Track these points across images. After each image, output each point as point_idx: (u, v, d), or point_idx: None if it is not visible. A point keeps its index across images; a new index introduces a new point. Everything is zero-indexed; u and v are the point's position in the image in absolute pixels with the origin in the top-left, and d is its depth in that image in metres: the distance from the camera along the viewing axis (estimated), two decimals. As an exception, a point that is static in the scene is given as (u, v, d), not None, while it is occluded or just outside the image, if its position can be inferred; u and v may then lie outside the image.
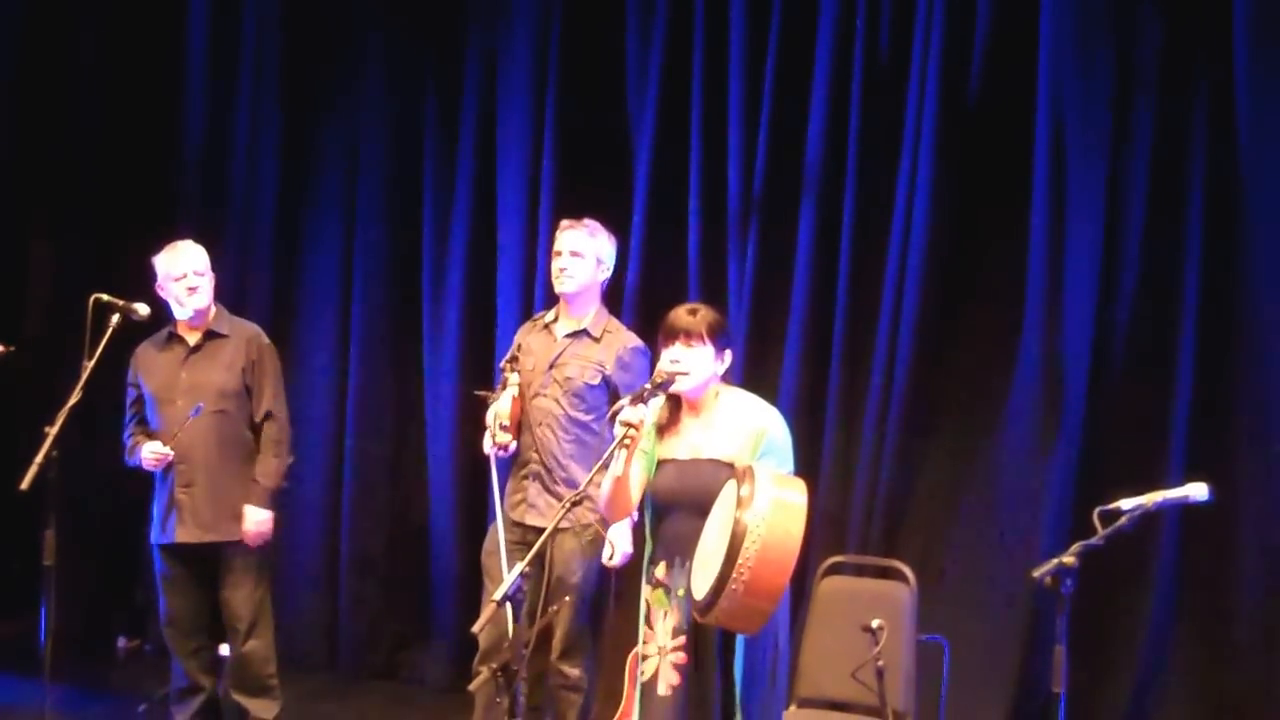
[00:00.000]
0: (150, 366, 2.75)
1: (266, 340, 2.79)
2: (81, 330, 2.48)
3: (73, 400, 2.41)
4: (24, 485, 2.34)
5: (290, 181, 3.60)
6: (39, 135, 3.62)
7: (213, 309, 2.74)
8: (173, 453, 2.65)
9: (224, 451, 2.69)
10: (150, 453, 2.65)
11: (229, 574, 2.71)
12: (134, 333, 2.64)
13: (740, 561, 1.79)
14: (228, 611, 2.72)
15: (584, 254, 2.61)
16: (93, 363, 2.46)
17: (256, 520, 2.69)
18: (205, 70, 3.60)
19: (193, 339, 2.73)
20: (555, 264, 2.63)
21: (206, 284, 2.70)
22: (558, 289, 2.64)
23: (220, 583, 2.72)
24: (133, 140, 3.63)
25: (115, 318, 2.51)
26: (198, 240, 2.80)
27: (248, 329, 2.78)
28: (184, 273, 2.69)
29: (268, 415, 2.72)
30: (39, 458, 2.34)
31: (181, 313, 2.71)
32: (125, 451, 2.75)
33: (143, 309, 2.58)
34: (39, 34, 3.60)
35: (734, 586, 1.80)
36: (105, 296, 2.53)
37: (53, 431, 2.36)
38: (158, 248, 2.77)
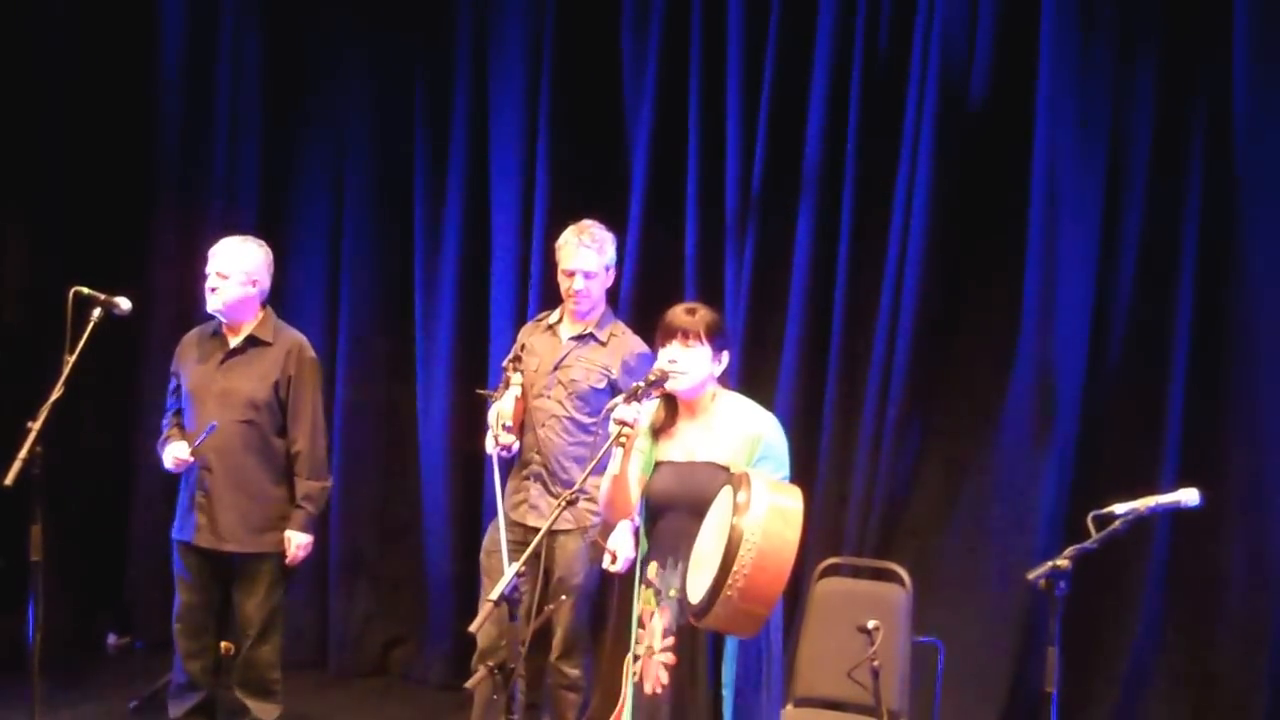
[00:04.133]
0: (191, 360, 2.71)
1: (310, 353, 2.72)
2: (60, 323, 2.45)
3: (55, 395, 2.38)
4: (8, 481, 2.31)
5: (274, 176, 3.56)
6: (11, 124, 3.56)
7: (259, 314, 2.69)
8: (194, 459, 2.62)
9: (249, 462, 2.65)
10: (171, 457, 2.63)
11: (244, 581, 2.69)
12: (115, 326, 2.58)
13: (736, 569, 1.79)
14: (240, 616, 2.71)
15: (597, 273, 2.61)
16: (74, 357, 2.42)
17: (300, 544, 2.67)
18: (183, 61, 3.55)
19: (234, 341, 2.68)
20: (569, 284, 2.61)
21: (230, 287, 2.62)
22: (573, 308, 2.62)
23: (235, 588, 2.70)
24: (109, 131, 3.58)
25: (96, 311, 2.48)
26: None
27: (291, 339, 2.71)
28: (209, 271, 2.65)
29: (305, 434, 2.65)
30: (22, 453, 2.31)
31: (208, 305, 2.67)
32: (160, 439, 2.72)
33: (124, 303, 2.53)
34: (9, 20, 3.53)
35: (729, 593, 1.80)
36: (85, 290, 2.48)
37: (35, 427, 2.34)
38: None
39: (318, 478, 2.70)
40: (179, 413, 2.73)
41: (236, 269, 2.65)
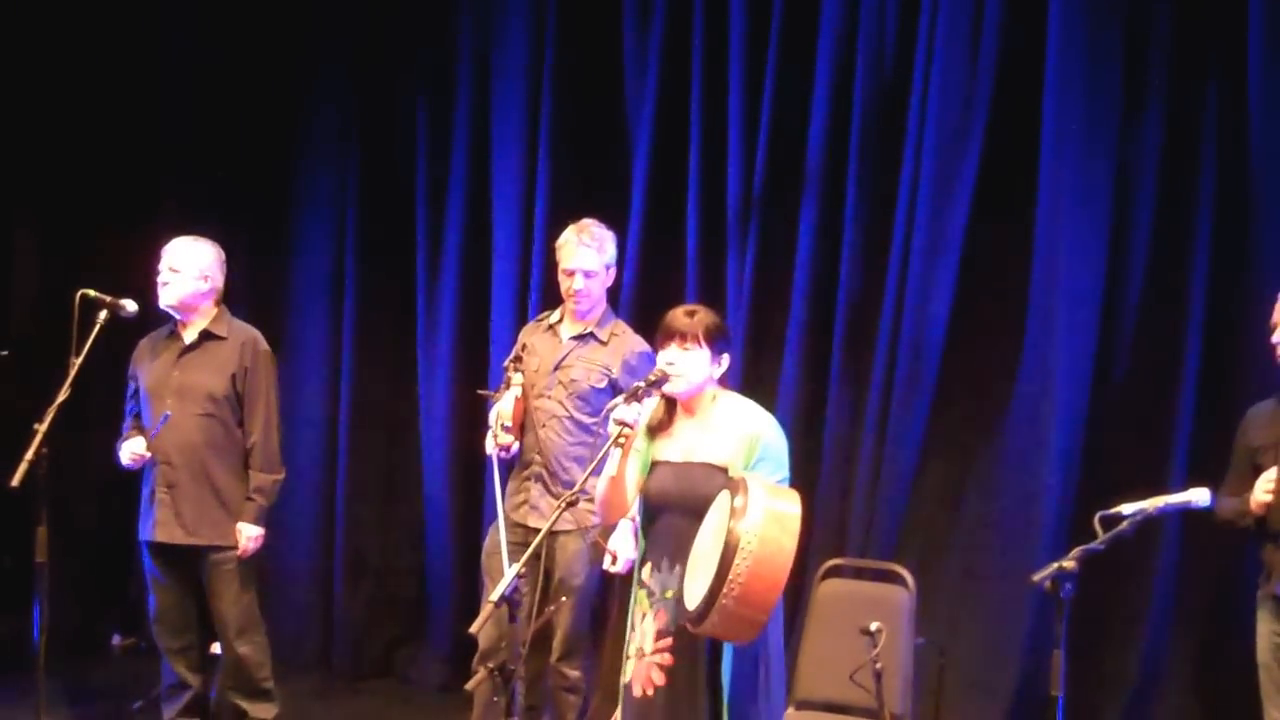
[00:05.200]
0: (146, 360, 2.74)
1: (264, 346, 2.73)
2: (68, 326, 2.47)
3: (61, 397, 2.39)
4: (14, 482, 2.32)
5: (279, 178, 3.57)
6: (20, 130, 3.59)
7: (212, 310, 2.71)
8: (150, 455, 2.63)
9: (209, 455, 2.66)
10: (128, 453, 2.65)
11: (213, 579, 2.69)
12: (122, 329, 2.62)
13: (732, 576, 1.78)
14: (215, 616, 2.71)
15: (597, 272, 2.60)
16: (80, 359, 2.44)
17: (250, 536, 2.68)
18: (189, 67, 3.56)
19: (189, 337, 2.71)
20: (568, 284, 2.60)
21: (183, 281, 2.65)
22: (573, 307, 2.62)
23: (206, 587, 2.71)
24: (117, 138, 3.60)
25: (103, 314, 2.50)
26: (180, 234, 2.77)
27: (245, 333, 2.73)
28: (162, 268, 2.69)
29: (259, 427, 2.67)
30: (29, 455, 2.33)
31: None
32: (119, 440, 2.74)
33: (130, 305, 2.55)
34: (15, 25, 3.55)
35: (725, 601, 1.79)
36: (92, 292, 2.51)
37: (42, 428, 2.35)
38: (141, 243, 2.75)
39: (270, 470, 2.70)
40: (138, 415, 2.75)
41: (190, 264, 2.67)
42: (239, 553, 2.67)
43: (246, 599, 2.70)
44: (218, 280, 2.71)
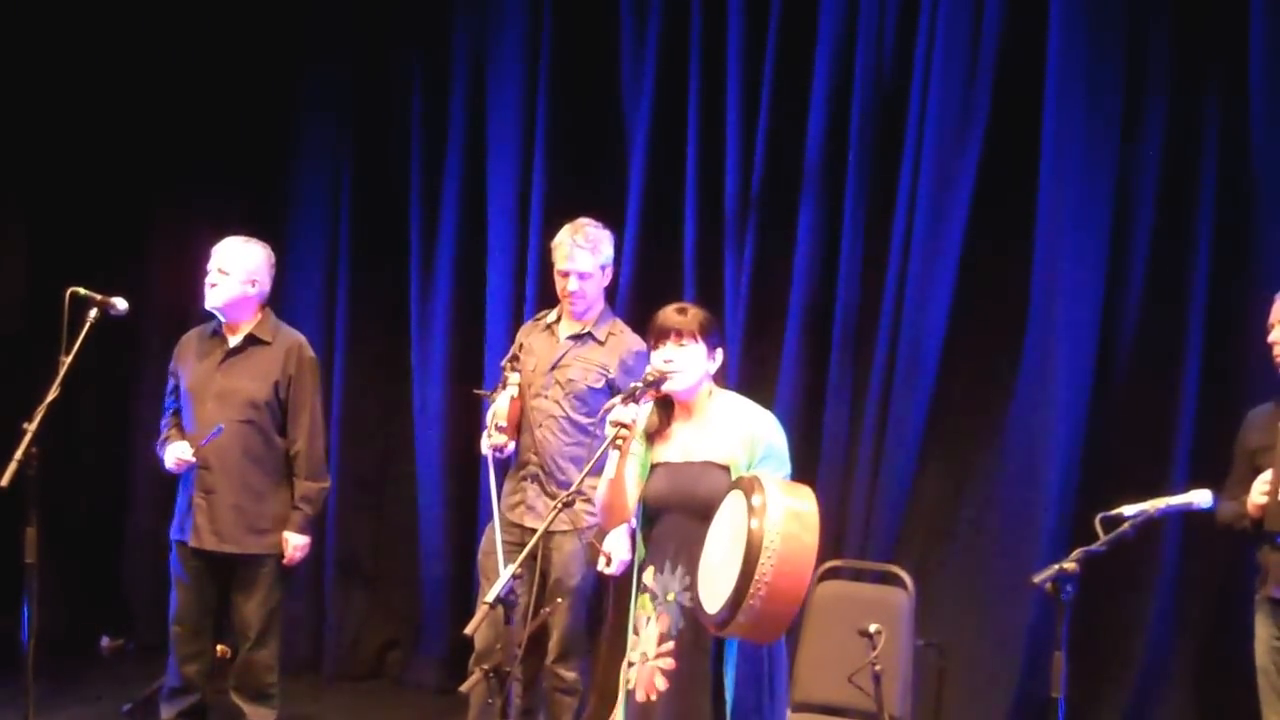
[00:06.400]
0: (190, 360, 2.71)
1: (310, 353, 2.71)
2: (57, 325, 2.44)
3: (51, 396, 2.37)
4: (3, 482, 2.29)
5: (272, 178, 3.56)
6: (11, 126, 3.56)
7: (258, 314, 2.69)
8: (195, 460, 2.61)
9: (248, 463, 2.63)
10: (173, 457, 2.63)
11: (244, 582, 2.67)
12: (112, 327, 2.59)
13: (758, 576, 1.76)
14: (239, 618, 2.69)
15: (591, 273, 2.59)
16: (70, 358, 2.42)
17: (297, 545, 2.66)
18: (182, 61, 3.54)
19: (234, 340, 2.68)
20: (564, 284, 2.59)
21: (231, 284, 2.63)
22: (569, 308, 2.61)
23: (234, 590, 2.69)
24: (108, 133, 3.58)
25: (93, 312, 2.47)
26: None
27: (290, 339, 2.71)
28: (211, 268, 2.67)
29: (304, 434, 2.64)
30: (18, 454, 2.30)
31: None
32: (159, 440, 2.71)
33: (121, 303, 2.53)
34: (10, 21, 3.53)
35: (752, 602, 1.77)
36: (82, 290, 2.48)
37: (31, 428, 2.32)
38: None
39: (316, 479, 2.69)
40: (178, 413, 2.72)
41: (238, 267, 2.66)
42: (285, 561, 2.66)
43: (272, 604, 2.68)
44: (265, 284, 2.69)
